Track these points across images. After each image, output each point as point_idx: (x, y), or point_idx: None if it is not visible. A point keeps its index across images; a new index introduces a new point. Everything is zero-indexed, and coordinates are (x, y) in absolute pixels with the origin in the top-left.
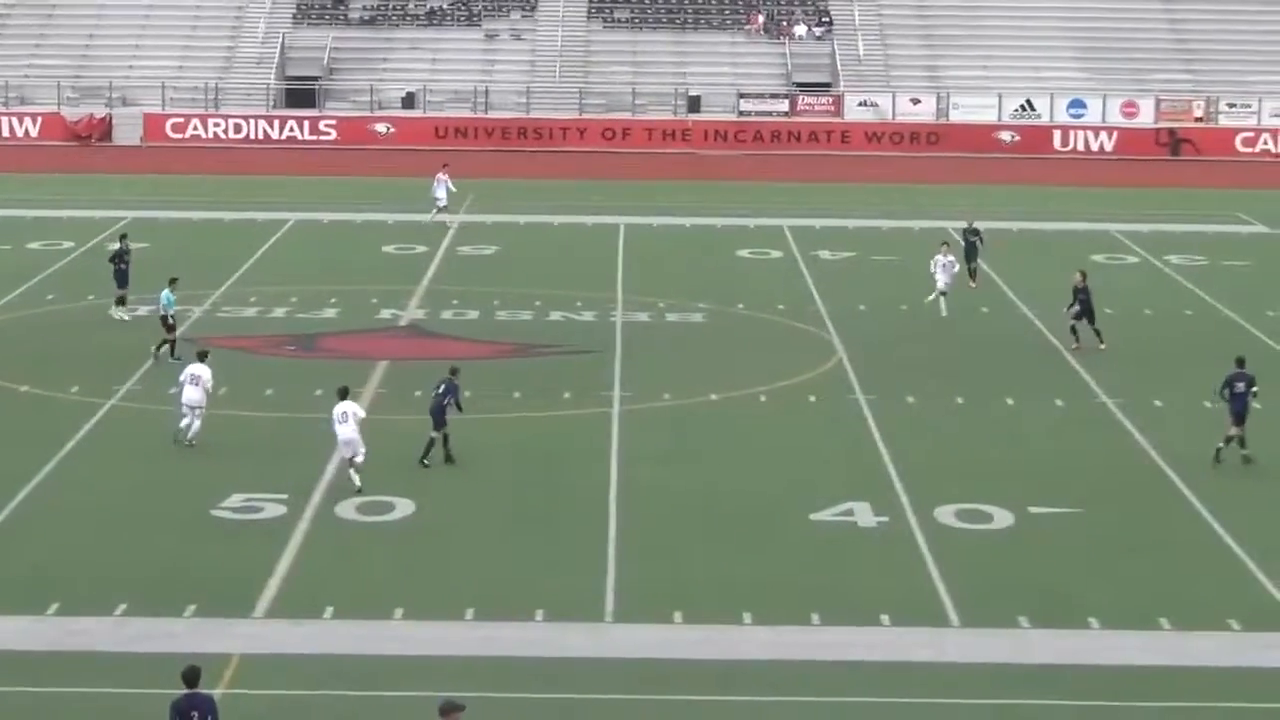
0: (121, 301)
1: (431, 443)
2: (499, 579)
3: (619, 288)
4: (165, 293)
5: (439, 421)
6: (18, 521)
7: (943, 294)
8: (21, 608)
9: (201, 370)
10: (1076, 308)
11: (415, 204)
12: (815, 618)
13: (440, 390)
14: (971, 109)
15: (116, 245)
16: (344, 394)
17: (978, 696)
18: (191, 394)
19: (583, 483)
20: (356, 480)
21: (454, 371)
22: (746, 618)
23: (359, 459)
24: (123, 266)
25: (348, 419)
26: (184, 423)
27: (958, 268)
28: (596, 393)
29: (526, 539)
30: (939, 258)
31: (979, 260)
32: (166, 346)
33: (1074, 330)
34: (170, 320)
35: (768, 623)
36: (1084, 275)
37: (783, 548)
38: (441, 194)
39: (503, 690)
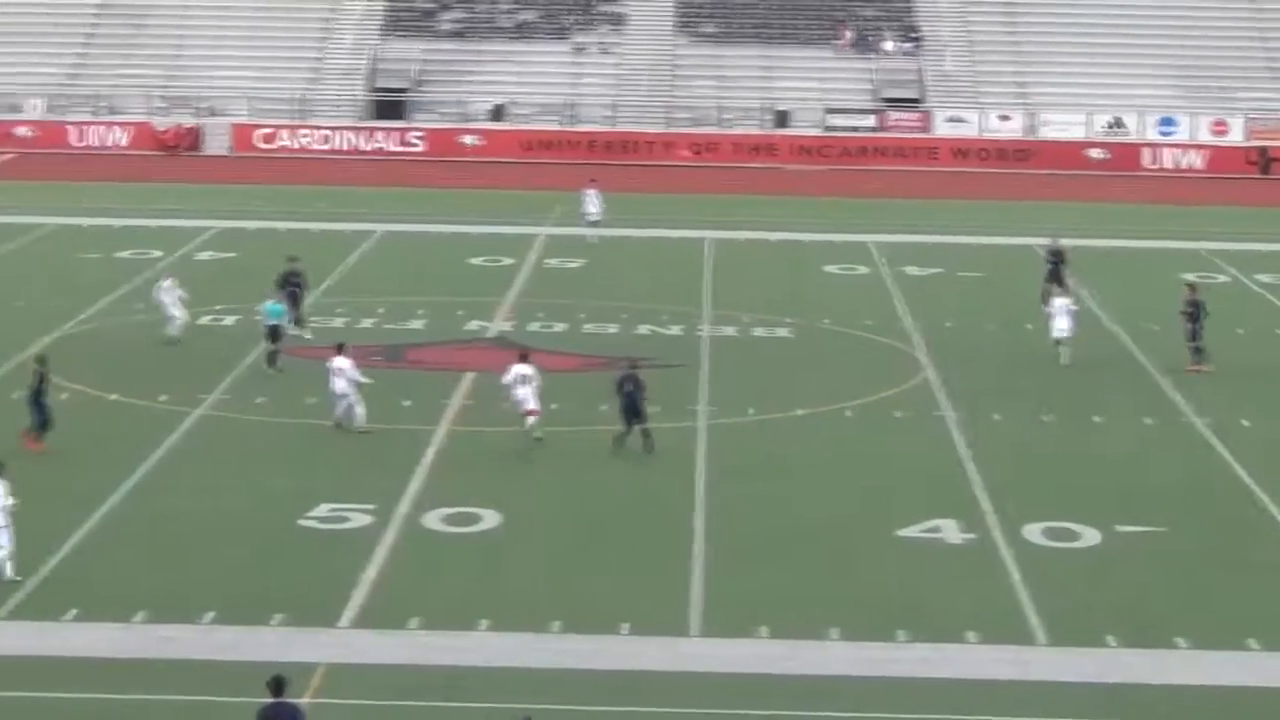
0: (298, 322)
1: (622, 436)
2: (584, 592)
3: (705, 302)
4: (271, 303)
5: (634, 416)
6: (106, 529)
7: (1058, 341)
8: (109, 615)
9: (343, 363)
10: (1192, 325)
11: (503, 216)
12: (901, 634)
13: (628, 387)
14: (1060, 125)
15: (287, 268)
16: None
17: (1064, 715)
18: (338, 384)
19: (668, 496)
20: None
21: (634, 365)
22: (832, 633)
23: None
24: (294, 288)
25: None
26: (338, 412)
27: (1075, 306)
28: (683, 406)
29: (612, 552)
30: (1056, 301)
31: (1067, 280)
32: (275, 355)
33: (1198, 351)
34: (279, 330)
35: (853, 639)
36: (1193, 288)
37: (868, 564)
38: (593, 208)
39: (586, 704)
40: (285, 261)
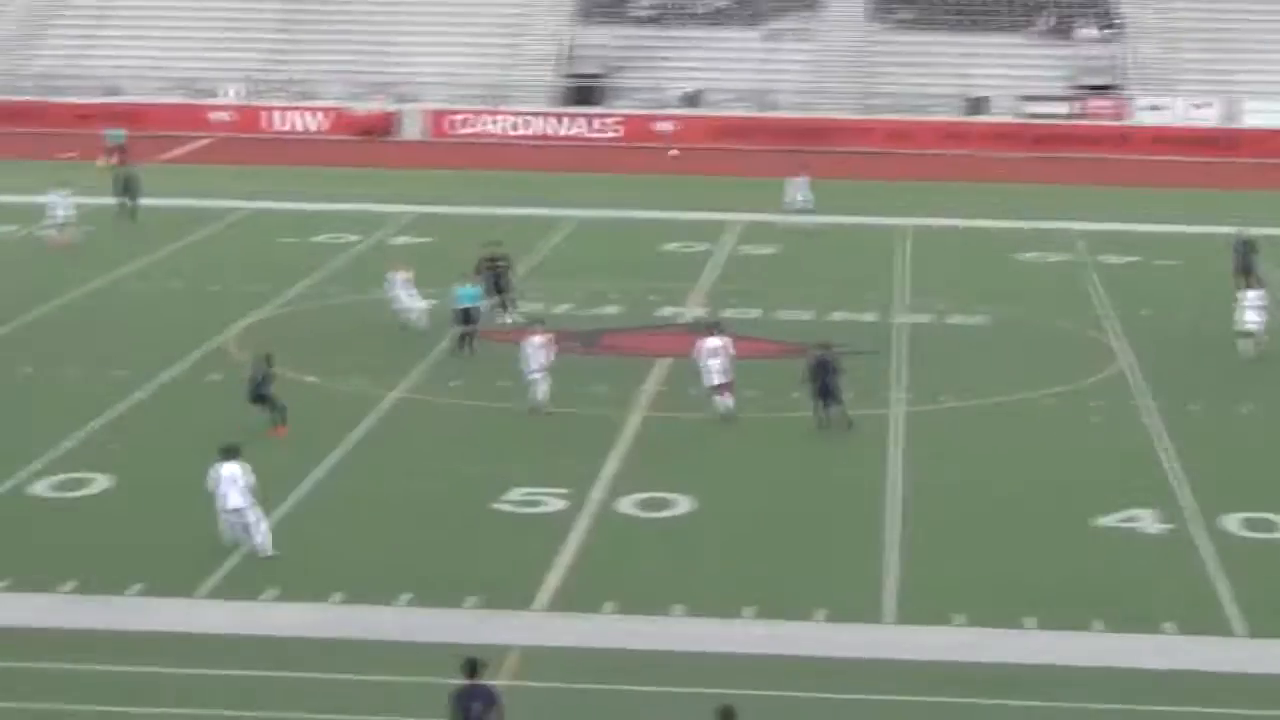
0: (503, 306)
1: (823, 418)
2: (779, 577)
3: (900, 289)
4: (465, 288)
5: (828, 397)
6: (303, 511)
7: (1246, 334)
8: (308, 595)
9: (537, 342)
10: None
11: (697, 201)
12: (1097, 623)
13: (821, 370)
14: (1263, 114)
15: (490, 251)
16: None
17: (1263, 706)
18: (532, 364)
19: (862, 483)
20: None
21: (826, 347)
22: (1027, 622)
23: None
24: (498, 273)
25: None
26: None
27: (1263, 301)
28: (877, 393)
29: (807, 537)
30: (1249, 293)
31: (1258, 270)
32: (467, 338)
33: None
34: (471, 313)
35: (1049, 627)
36: None
37: (1064, 553)
38: (802, 195)
39: (781, 689)
40: (485, 246)
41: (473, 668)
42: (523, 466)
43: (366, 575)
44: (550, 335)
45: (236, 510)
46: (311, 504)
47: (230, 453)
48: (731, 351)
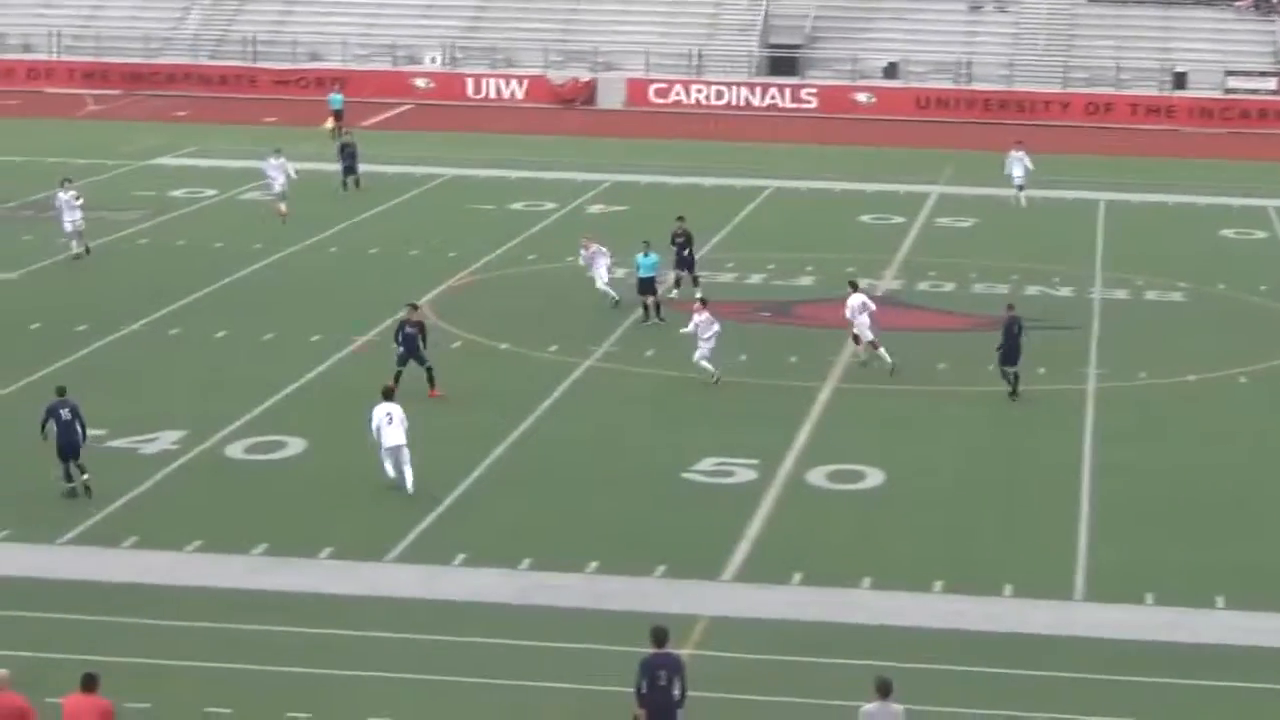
0: (678, 283)
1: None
2: (967, 552)
3: (1098, 264)
4: (646, 256)
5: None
6: (495, 477)
7: None
8: (497, 561)
9: (701, 318)
10: None
11: (896, 174)
12: None
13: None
14: None
15: (675, 226)
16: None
17: None
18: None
19: (1055, 458)
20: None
21: (1012, 308)
22: (1219, 601)
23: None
24: (681, 247)
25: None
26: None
27: None
28: (1072, 369)
29: (997, 512)
30: None
31: None
32: (655, 306)
33: None
34: (652, 283)
35: (1242, 608)
36: None
37: (1260, 532)
38: (1019, 171)
39: (970, 665)
40: (679, 221)
41: (661, 636)
42: (714, 436)
43: (555, 542)
44: (708, 315)
45: (396, 447)
46: (503, 470)
47: (389, 394)
48: (872, 307)
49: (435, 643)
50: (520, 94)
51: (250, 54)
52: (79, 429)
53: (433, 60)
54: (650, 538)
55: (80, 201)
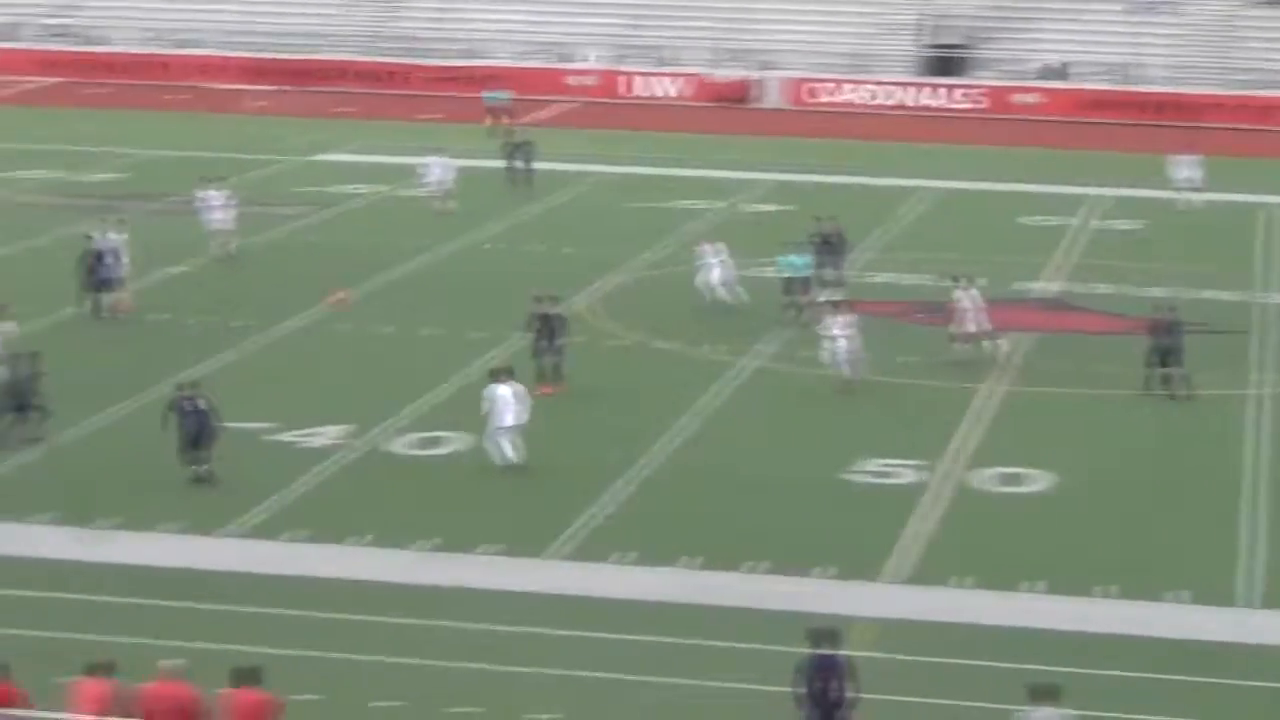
0: (821, 281)
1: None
2: (1137, 557)
3: (1262, 267)
4: (789, 257)
5: (1175, 360)
6: (656, 475)
7: None
8: (658, 559)
9: (839, 321)
10: None
11: (1057, 175)
12: None
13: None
14: None
15: (823, 227)
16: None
17: None
18: (840, 343)
19: (1223, 463)
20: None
21: (1167, 309)
22: None
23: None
24: (829, 247)
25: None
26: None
27: None
28: (1236, 372)
29: (1165, 516)
30: None
31: None
32: (797, 307)
33: None
34: (797, 284)
35: None
36: None
37: None
38: (1186, 174)
39: (1139, 671)
40: (817, 221)
41: (822, 638)
42: (875, 437)
43: (716, 541)
44: (851, 316)
45: (513, 427)
46: (665, 469)
47: (501, 374)
48: (981, 304)
49: (596, 640)
50: (680, 93)
51: (411, 50)
52: (210, 420)
53: (594, 58)
54: (811, 538)
55: (232, 200)
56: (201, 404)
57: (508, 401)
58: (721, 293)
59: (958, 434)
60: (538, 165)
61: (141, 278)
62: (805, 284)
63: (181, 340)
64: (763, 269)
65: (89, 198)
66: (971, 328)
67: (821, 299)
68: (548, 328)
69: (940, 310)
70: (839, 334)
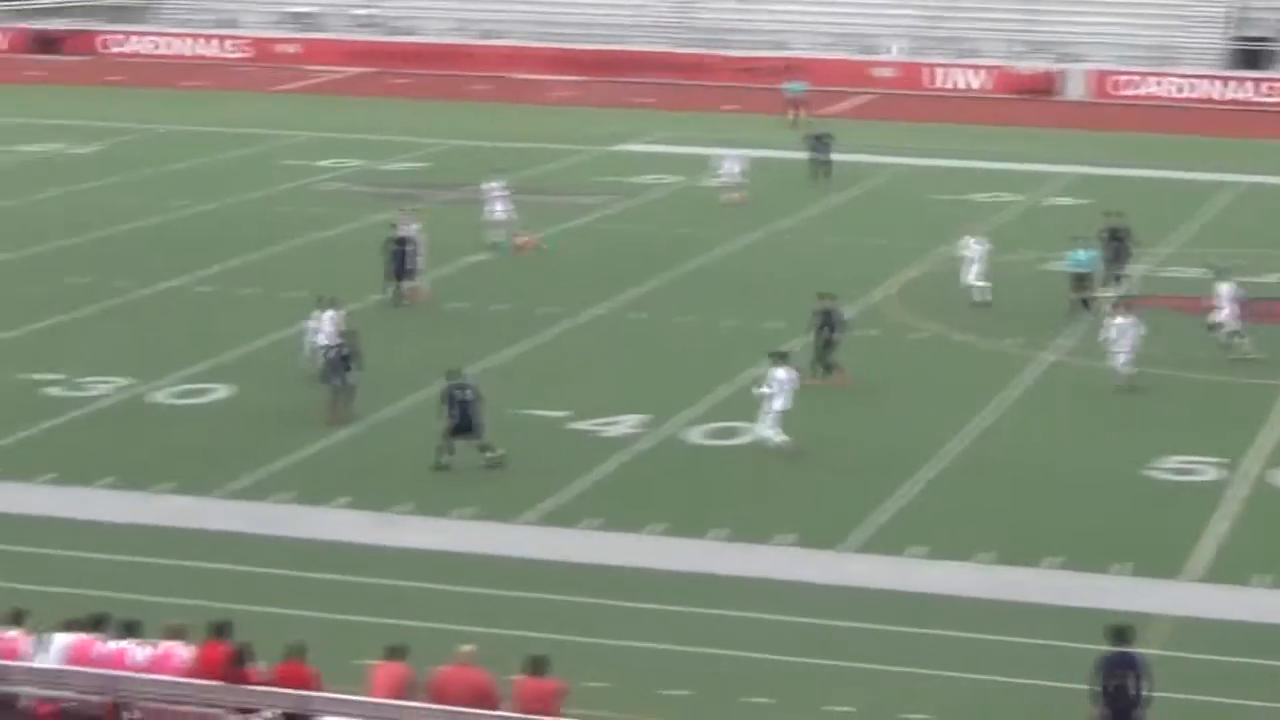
0: (1115, 278)
1: None
2: None
3: None
4: (1077, 252)
5: None
6: (955, 469)
7: None
8: (957, 553)
9: (1126, 318)
10: None
11: None
12: None
13: None
14: None
15: (1111, 223)
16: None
17: None
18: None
19: None
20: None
21: None
22: None
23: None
24: (1116, 243)
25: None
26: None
27: None
28: None
29: None
30: None
31: None
32: (1084, 301)
33: None
34: (1084, 279)
35: None
36: None
37: None
38: None
39: None
40: (1106, 217)
41: (1120, 635)
42: (1176, 434)
43: (1014, 536)
44: (1132, 317)
45: (781, 412)
46: (962, 462)
47: (781, 357)
48: (1238, 297)
49: (893, 633)
50: (982, 85)
51: (713, 42)
52: (476, 410)
53: (895, 50)
54: (1111, 535)
55: (507, 193)
56: (469, 394)
57: (784, 384)
58: (975, 294)
59: (1259, 431)
60: (837, 157)
61: (441, 266)
62: (1089, 280)
63: (481, 328)
64: (1056, 263)
65: (391, 186)
66: (1223, 319)
67: (1106, 295)
68: (827, 323)
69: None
70: (1117, 333)
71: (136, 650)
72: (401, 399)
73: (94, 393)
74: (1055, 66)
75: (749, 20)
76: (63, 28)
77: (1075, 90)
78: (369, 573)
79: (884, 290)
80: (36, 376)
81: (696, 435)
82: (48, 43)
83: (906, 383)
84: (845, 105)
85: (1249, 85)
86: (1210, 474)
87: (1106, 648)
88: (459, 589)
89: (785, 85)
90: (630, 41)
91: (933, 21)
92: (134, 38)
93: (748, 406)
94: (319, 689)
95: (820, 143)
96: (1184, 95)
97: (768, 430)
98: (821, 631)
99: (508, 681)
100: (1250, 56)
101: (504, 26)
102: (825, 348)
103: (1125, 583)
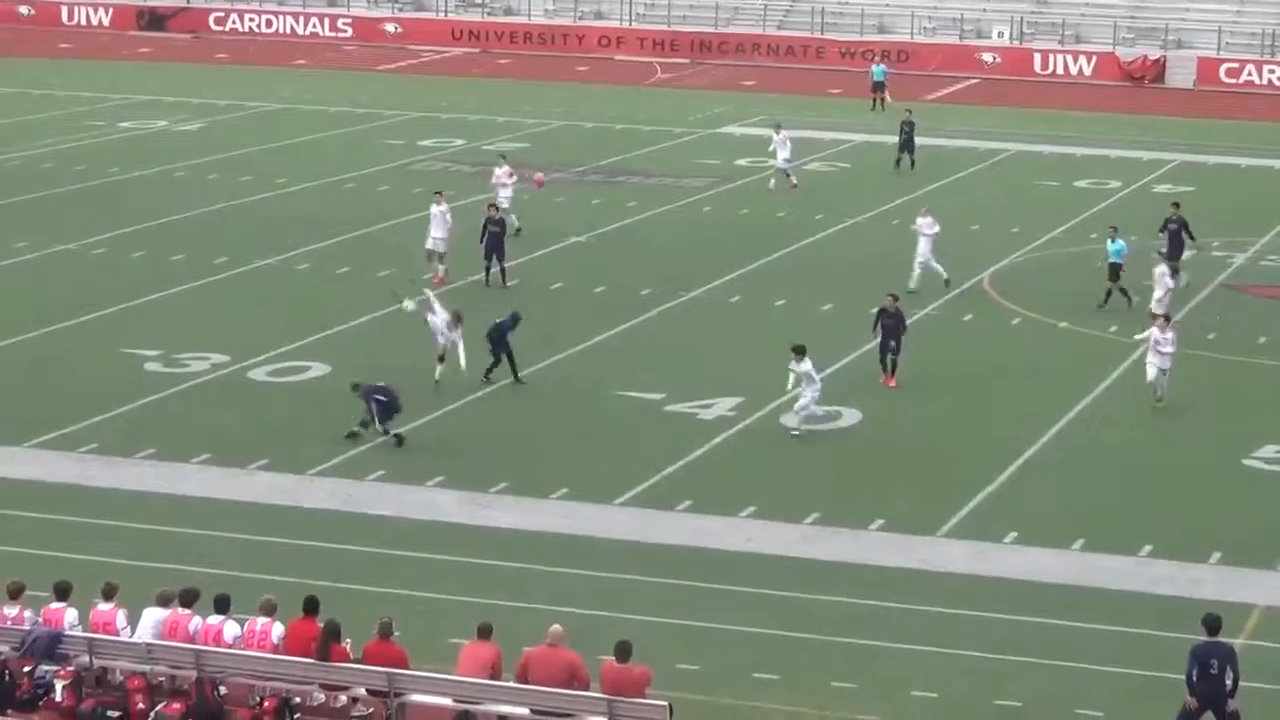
0: (1175, 270)
1: None
2: None
3: None
4: (1109, 241)
5: None
6: (1049, 455)
7: None
8: (1049, 540)
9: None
10: None
11: None
12: None
13: None
14: None
15: (1168, 214)
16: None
17: None
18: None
19: None
20: None
21: None
22: None
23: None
24: (1176, 234)
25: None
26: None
27: None
28: None
29: None
30: None
31: None
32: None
33: None
34: (1117, 269)
35: None
36: None
37: None
38: None
39: None
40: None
41: (1213, 624)
42: (1277, 424)
43: (1109, 523)
44: (1172, 334)
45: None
46: (1057, 448)
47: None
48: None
49: (978, 618)
50: (1088, 71)
51: (818, 25)
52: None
53: (1000, 35)
54: (1206, 523)
55: (514, 179)
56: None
57: (810, 379)
58: (917, 271)
59: None
60: (940, 141)
61: (539, 248)
62: (1119, 269)
63: (580, 310)
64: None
65: (491, 165)
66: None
67: (1155, 311)
68: (891, 325)
69: None
70: (1156, 349)
71: (226, 626)
72: (498, 380)
73: (192, 369)
74: (1161, 53)
75: (855, 4)
76: (170, 4)
77: (1182, 77)
78: (460, 552)
79: (987, 275)
80: (136, 352)
81: (792, 419)
82: (155, 20)
83: (1008, 368)
84: (951, 90)
85: None
86: None
87: (1201, 637)
88: (550, 569)
89: (874, 68)
90: (735, 24)
91: (1040, 6)
92: (240, 16)
93: (841, 390)
94: (408, 668)
95: (904, 127)
96: None
97: (797, 418)
98: (911, 616)
99: (598, 662)
100: None
101: (610, 7)
102: (891, 351)
103: (1220, 572)
